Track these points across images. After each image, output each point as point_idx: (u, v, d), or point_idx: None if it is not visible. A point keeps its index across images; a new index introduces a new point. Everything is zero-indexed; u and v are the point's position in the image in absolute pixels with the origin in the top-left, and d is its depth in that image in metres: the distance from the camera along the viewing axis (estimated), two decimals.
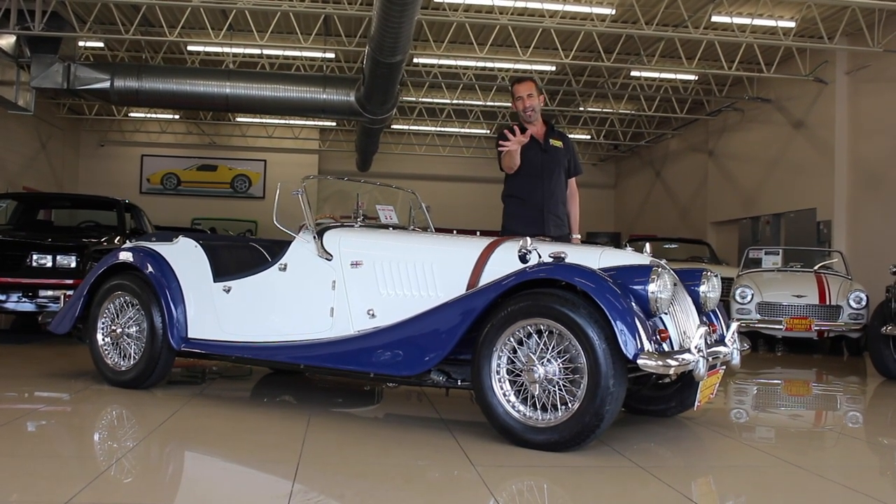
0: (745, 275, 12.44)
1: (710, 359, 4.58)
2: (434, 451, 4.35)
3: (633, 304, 4.33)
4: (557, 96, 21.68)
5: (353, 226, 5.68)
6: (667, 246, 18.76)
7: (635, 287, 4.45)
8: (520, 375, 4.41)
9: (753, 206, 19.97)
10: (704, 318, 5.11)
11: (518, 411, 4.42)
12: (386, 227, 5.93)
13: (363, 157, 23.71)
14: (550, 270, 4.39)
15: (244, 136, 27.29)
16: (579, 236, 6.41)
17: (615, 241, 29.27)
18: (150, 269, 5.83)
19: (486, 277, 4.86)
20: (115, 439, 4.53)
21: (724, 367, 4.95)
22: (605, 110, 23.09)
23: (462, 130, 26.24)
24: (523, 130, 6.19)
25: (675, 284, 4.69)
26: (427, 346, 4.66)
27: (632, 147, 27.34)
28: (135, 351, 5.87)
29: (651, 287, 4.43)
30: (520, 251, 4.63)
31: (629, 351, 4.12)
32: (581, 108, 22.65)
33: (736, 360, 4.96)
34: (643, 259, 4.84)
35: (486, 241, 5.15)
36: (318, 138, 27.66)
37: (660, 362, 4.14)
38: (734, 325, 5.10)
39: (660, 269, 4.51)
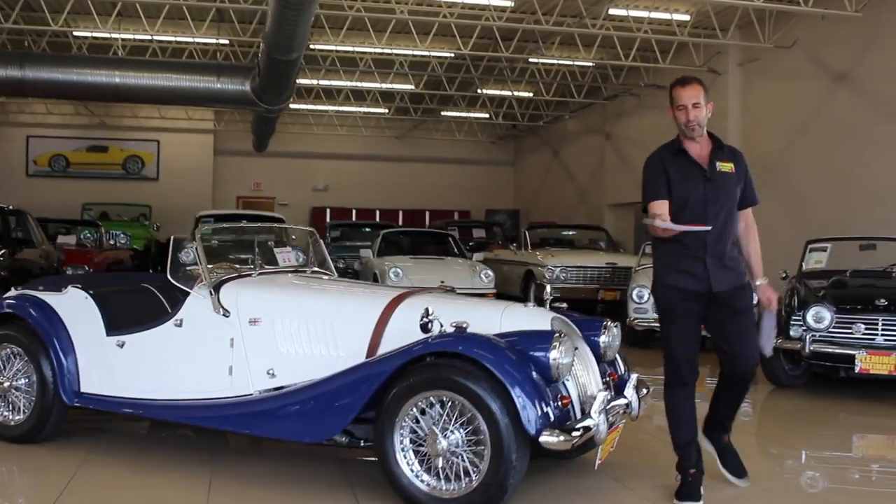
0: (642, 271, 12.45)
1: (610, 417, 4.62)
2: None
3: (534, 373, 4.34)
4: (456, 81, 21.63)
5: (250, 274, 5.54)
6: (565, 233, 18.97)
7: (536, 354, 4.44)
8: (423, 445, 4.40)
9: None
10: (605, 367, 5.17)
11: (423, 481, 4.41)
12: (285, 271, 5.81)
13: (259, 139, 23.34)
14: (451, 343, 4.38)
15: (136, 116, 26.48)
16: (765, 280, 4.95)
17: (514, 219, 29.62)
18: (37, 321, 5.57)
19: (388, 336, 4.81)
20: None
21: (623, 421, 5.00)
22: (503, 93, 23.15)
23: (360, 110, 25.99)
24: (678, 150, 4.87)
25: (576, 349, 4.71)
26: (329, 413, 4.60)
27: (530, 126, 27.51)
28: (24, 405, 5.63)
29: (553, 354, 4.43)
30: (421, 320, 4.57)
31: (531, 428, 4.16)
32: (479, 91, 22.66)
33: (636, 410, 5.01)
34: (545, 319, 4.83)
35: (388, 296, 5.07)
36: (212, 119, 27.04)
37: (561, 438, 4.17)
38: (634, 377, 5.13)
39: (562, 336, 4.52)
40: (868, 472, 6.37)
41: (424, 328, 4.56)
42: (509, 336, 4.56)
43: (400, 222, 27.57)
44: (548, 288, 5.66)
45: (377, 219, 26.99)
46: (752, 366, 4.82)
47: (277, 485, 4.94)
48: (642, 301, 11.54)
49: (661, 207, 4.73)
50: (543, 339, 4.52)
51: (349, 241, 19.07)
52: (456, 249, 15.87)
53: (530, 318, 4.85)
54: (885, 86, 13.47)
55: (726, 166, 4.83)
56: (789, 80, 15.58)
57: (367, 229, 20.37)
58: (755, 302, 4.90)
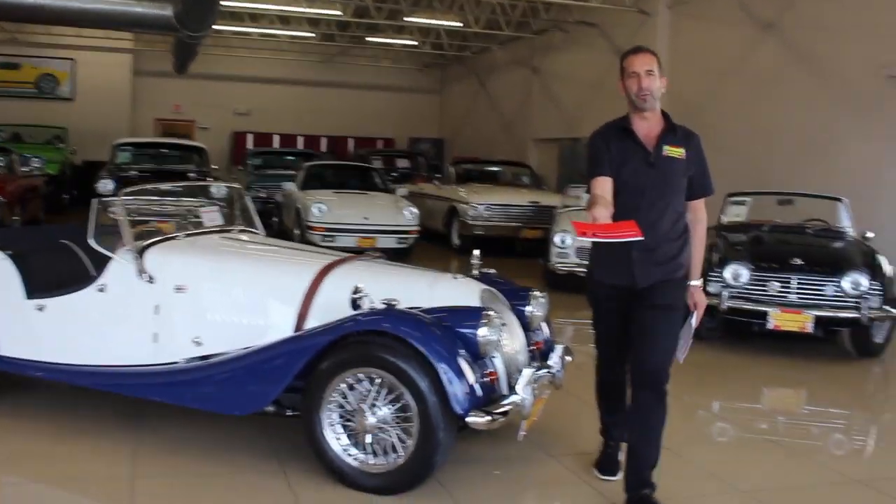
0: (564, 214, 12.44)
1: (536, 391, 4.68)
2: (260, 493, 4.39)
3: (462, 350, 4.38)
4: (384, 9, 21.26)
5: (177, 237, 5.44)
6: (490, 168, 19.00)
7: (464, 331, 4.48)
8: (351, 420, 4.43)
9: (575, 128, 20.24)
10: (531, 336, 5.25)
11: (350, 455, 4.45)
12: (211, 232, 5.72)
13: (180, 62, 22.66)
14: (378, 321, 4.39)
15: (50, 33, 25.39)
16: (699, 283, 4.48)
17: (438, 148, 29.51)
18: None
19: (318, 305, 4.81)
20: None
21: (548, 391, 5.06)
22: (430, 22, 22.80)
23: (286, 32, 25.39)
24: (624, 129, 4.42)
25: (503, 325, 4.76)
26: (257, 386, 4.58)
27: (457, 56, 27.23)
28: None
29: (481, 331, 4.47)
30: (351, 297, 4.56)
31: (458, 407, 4.21)
32: (406, 20, 22.27)
33: (560, 378, 5.08)
34: (474, 292, 4.87)
35: (318, 265, 5.04)
36: (131, 38, 26.08)
37: (488, 418, 4.23)
38: (560, 349, 5.20)
39: (491, 315, 4.56)
40: (775, 423, 6.72)
41: (354, 305, 4.56)
42: (438, 312, 4.59)
43: (323, 149, 27.23)
44: (476, 253, 5.66)
45: (300, 145, 26.62)
46: (655, 367, 4.28)
47: (203, 454, 4.91)
48: (564, 246, 11.64)
49: (602, 186, 4.25)
50: (472, 315, 4.56)
51: (272, 169, 18.84)
52: (381, 184, 15.82)
53: (460, 290, 4.88)
54: (810, 38, 13.60)
55: (675, 151, 4.35)
56: (718, 26, 15.65)
57: (291, 157, 20.13)
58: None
